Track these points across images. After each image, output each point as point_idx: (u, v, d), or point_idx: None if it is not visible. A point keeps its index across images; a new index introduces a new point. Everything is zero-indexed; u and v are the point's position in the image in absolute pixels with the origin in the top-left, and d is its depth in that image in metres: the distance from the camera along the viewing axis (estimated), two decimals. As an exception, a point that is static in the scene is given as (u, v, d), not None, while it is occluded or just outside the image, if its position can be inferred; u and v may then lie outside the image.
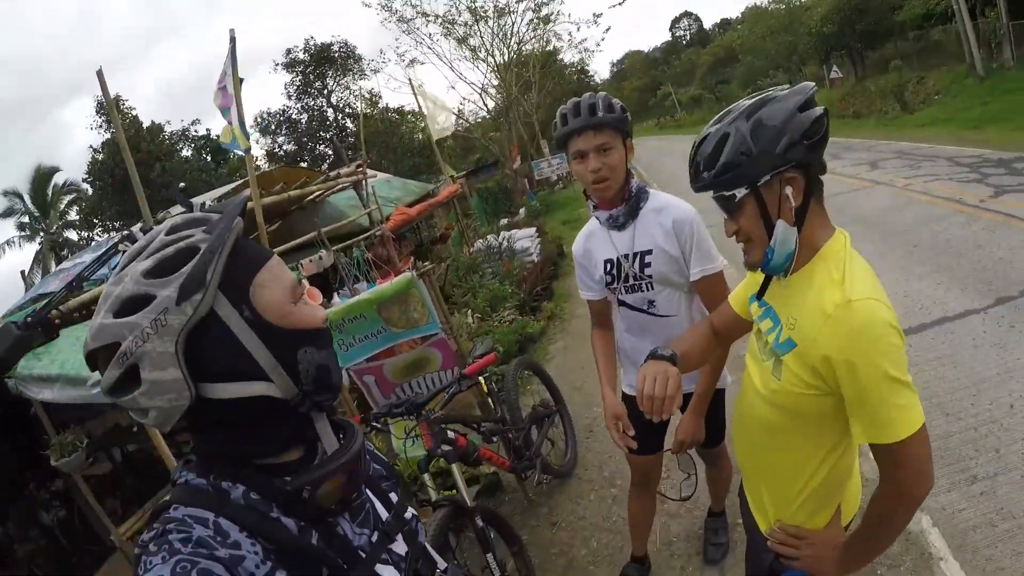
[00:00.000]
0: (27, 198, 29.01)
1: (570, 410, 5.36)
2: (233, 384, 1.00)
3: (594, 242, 2.82)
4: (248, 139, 4.93)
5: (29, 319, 0.90)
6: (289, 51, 39.04)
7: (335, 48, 38.91)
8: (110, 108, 4.57)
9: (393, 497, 1.29)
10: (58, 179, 29.82)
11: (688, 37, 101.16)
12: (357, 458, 1.11)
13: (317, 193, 9.40)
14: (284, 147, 38.84)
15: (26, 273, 25.74)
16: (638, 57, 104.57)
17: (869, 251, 7.80)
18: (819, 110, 1.55)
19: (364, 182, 9.55)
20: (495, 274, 10.70)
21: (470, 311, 8.98)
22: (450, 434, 3.47)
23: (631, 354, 2.94)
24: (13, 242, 29.00)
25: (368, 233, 9.19)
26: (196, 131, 31.13)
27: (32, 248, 29.59)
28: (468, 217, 17.21)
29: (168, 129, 30.38)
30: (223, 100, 5.09)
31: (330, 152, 36.43)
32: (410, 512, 1.30)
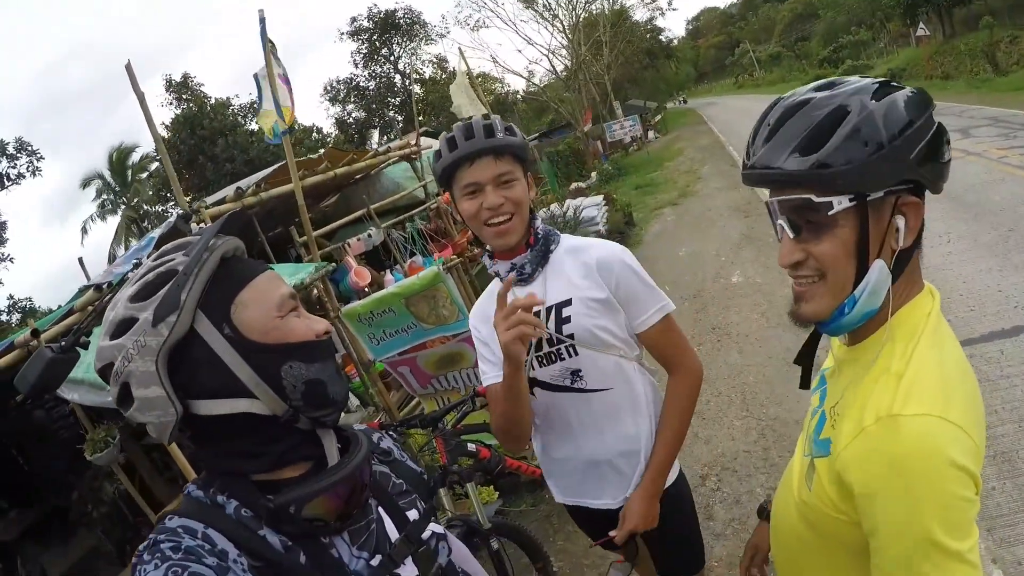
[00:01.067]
0: (108, 175, 30.20)
1: None
2: (218, 401, 1.02)
3: (490, 306, 1.99)
4: (284, 119, 4.78)
5: (64, 343, 0.94)
6: (354, 19, 39.40)
7: (400, 14, 38.95)
8: (141, 101, 4.47)
9: (412, 515, 1.22)
10: (135, 156, 31.13)
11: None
12: (354, 475, 1.08)
13: (363, 168, 9.22)
14: (353, 115, 39.22)
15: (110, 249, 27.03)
16: (714, 14, 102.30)
17: (960, 233, 7.28)
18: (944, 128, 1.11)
19: (419, 153, 9.35)
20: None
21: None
22: (470, 446, 3.30)
23: (556, 461, 2.22)
24: (95, 219, 30.37)
25: (424, 206, 9.04)
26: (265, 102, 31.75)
27: (114, 222, 31.01)
28: (537, 183, 16.99)
29: (236, 103, 30.93)
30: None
31: (399, 118, 36.63)
32: (431, 531, 1.21)
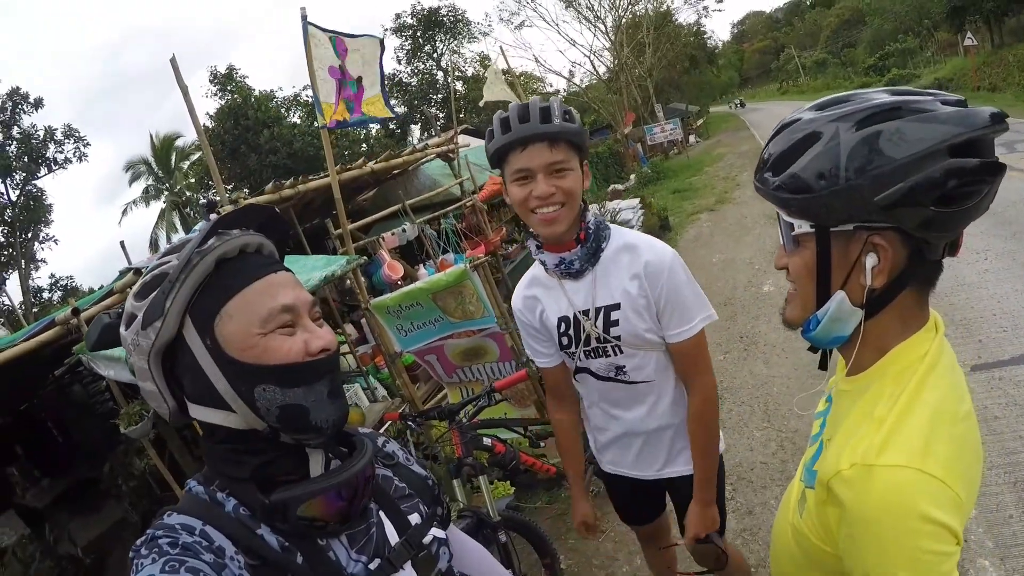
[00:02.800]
0: (152, 161, 30.99)
1: None
2: (201, 407, 1.03)
3: (541, 293, 2.16)
4: (323, 115, 4.91)
5: (120, 310, 1.02)
6: (398, 16, 39.80)
7: (443, 11, 39.22)
8: (185, 94, 4.62)
9: (413, 519, 1.20)
10: (179, 144, 31.97)
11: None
12: (353, 480, 1.06)
13: (401, 164, 9.34)
14: (395, 109, 39.68)
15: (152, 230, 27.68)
16: (760, 18, 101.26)
17: (999, 251, 7.15)
18: (984, 165, 0.98)
19: (456, 151, 9.44)
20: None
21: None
22: (486, 441, 3.38)
23: (603, 431, 2.34)
24: (137, 203, 31.20)
25: (459, 204, 9.13)
26: (307, 96, 32.20)
27: (156, 207, 31.90)
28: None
29: (280, 95, 31.45)
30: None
31: (440, 115, 36.87)
32: (432, 536, 1.19)
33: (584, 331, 2.06)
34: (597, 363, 2.13)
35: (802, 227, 1.11)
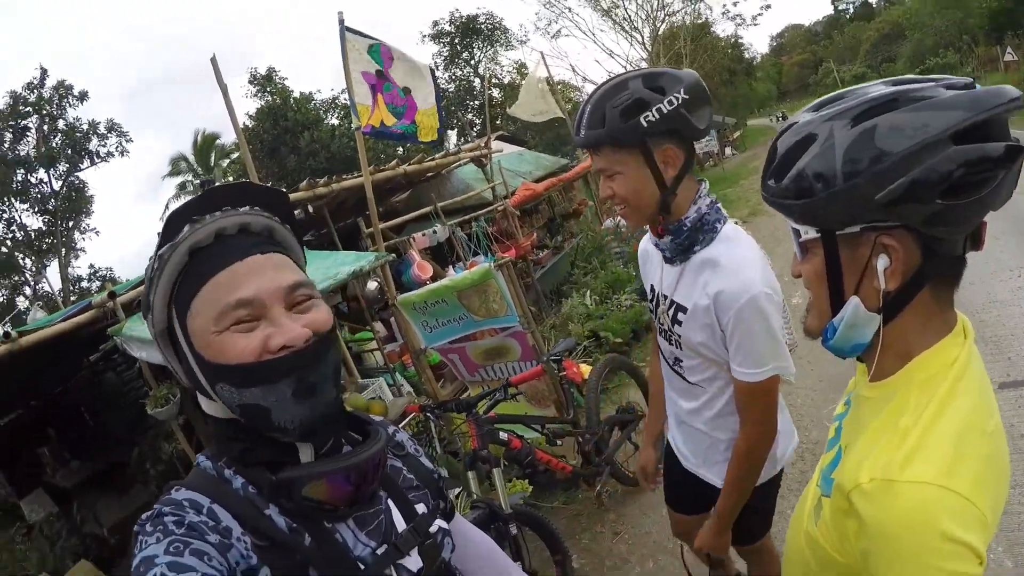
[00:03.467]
0: (191, 159, 31.87)
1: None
2: (197, 391, 1.06)
3: (652, 251, 2.13)
4: (358, 117, 5.02)
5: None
6: (436, 23, 39.93)
7: (481, 19, 39.40)
8: (224, 94, 4.77)
9: (420, 508, 1.20)
10: (219, 143, 32.67)
11: (852, 10, 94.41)
12: (366, 465, 1.05)
13: (434, 167, 9.49)
14: (442, 132, 39.97)
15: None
16: (799, 31, 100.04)
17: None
18: (994, 150, 0.90)
19: (489, 157, 9.54)
20: (620, 256, 10.49)
21: (588, 292, 8.81)
22: (502, 435, 3.42)
23: (668, 401, 2.36)
24: (177, 198, 31.65)
25: (490, 208, 9.23)
26: (345, 99, 32.77)
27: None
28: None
29: (318, 97, 31.97)
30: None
31: (477, 121, 37.07)
32: (437, 526, 1.20)
33: (661, 309, 2.06)
34: (664, 345, 2.14)
35: (808, 233, 1.07)
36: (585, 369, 4.78)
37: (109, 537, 7.85)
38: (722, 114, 37.38)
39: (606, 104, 1.73)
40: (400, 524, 1.14)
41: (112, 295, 4.82)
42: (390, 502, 1.16)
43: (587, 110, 1.78)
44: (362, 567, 1.04)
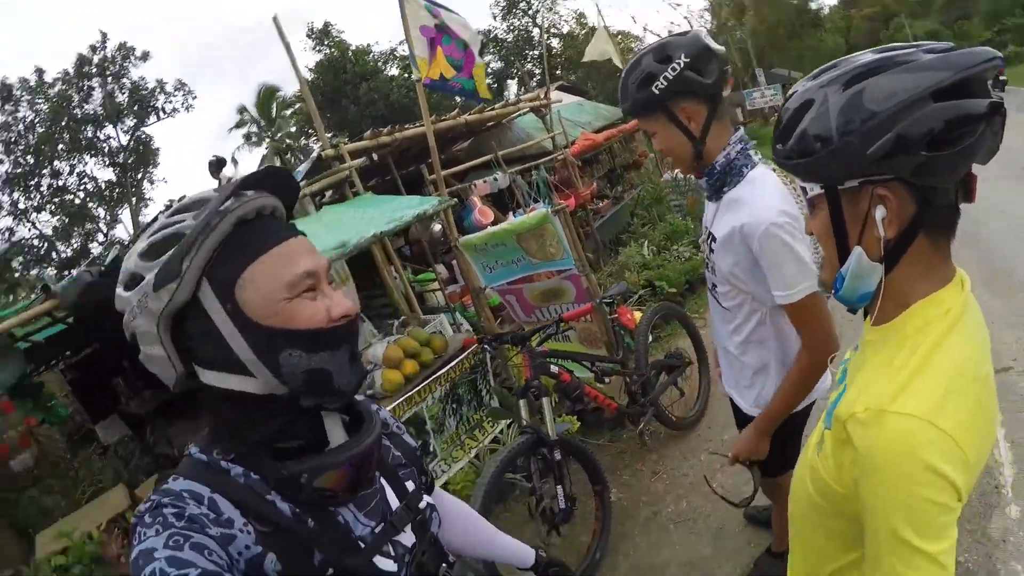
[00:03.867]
0: (254, 111, 32.78)
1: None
2: (216, 373, 1.01)
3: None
4: (418, 69, 5.19)
5: (104, 268, 0.95)
6: (494, -29, 39.15)
7: (540, -34, 38.40)
8: (288, 49, 5.01)
9: (409, 486, 1.24)
10: (280, 95, 33.25)
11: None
12: (366, 453, 1.08)
13: (494, 116, 9.60)
14: (491, 65, 39.45)
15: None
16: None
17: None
18: (973, 106, 0.99)
19: (548, 107, 9.61)
20: (679, 208, 10.50)
21: (646, 242, 8.91)
22: (553, 368, 3.62)
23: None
24: (240, 149, 33.14)
25: (550, 156, 9.32)
26: (403, 51, 32.97)
27: (258, 153, 33.65)
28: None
29: (375, 49, 32.40)
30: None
31: (536, 71, 36.68)
32: (425, 502, 1.25)
33: (702, 241, 2.36)
34: (708, 273, 2.39)
35: (814, 189, 1.16)
36: (638, 316, 4.95)
37: (180, 457, 8.47)
38: (787, 68, 36.19)
39: (628, 81, 2.04)
40: (393, 502, 1.18)
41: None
42: (383, 480, 1.19)
43: (621, 87, 2.10)
44: (362, 546, 1.07)
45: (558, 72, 27.51)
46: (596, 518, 3.68)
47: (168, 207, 1.04)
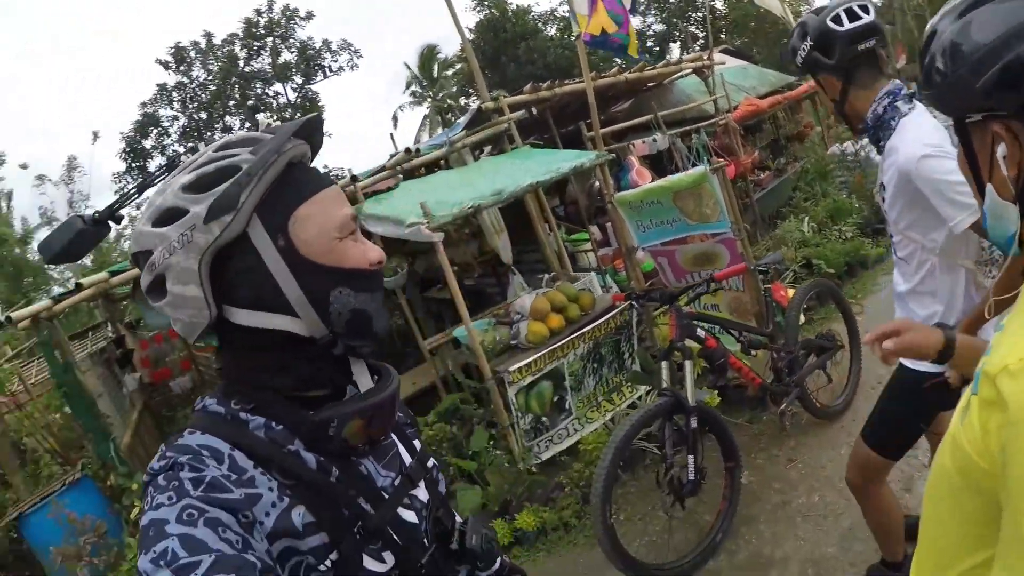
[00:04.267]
0: (416, 71, 34.05)
1: (866, 354, 4.54)
2: (257, 313, 0.99)
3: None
4: (578, 25, 5.13)
5: (97, 214, 0.92)
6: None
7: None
8: (451, 9, 5.05)
9: (417, 444, 1.25)
10: (440, 56, 34.30)
11: None
12: (391, 400, 1.08)
13: (655, 76, 9.36)
14: (652, 27, 38.40)
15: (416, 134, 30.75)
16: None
17: None
18: None
19: (711, 68, 9.28)
20: (845, 184, 9.90)
21: (807, 218, 8.48)
22: (700, 332, 3.52)
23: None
24: (404, 108, 34.75)
25: (711, 120, 9.03)
26: (562, 11, 32.95)
27: (420, 112, 35.15)
28: (837, 119, 15.62)
29: (536, 10, 32.68)
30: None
31: (700, 34, 35.34)
32: (432, 462, 1.26)
33: (876, 192, 2.47)
34: (887, 225, 2.48)
35: (948, 121, 1.12)
36: (791, 293, 4.74)
37: None
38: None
39: (793, 44, 2.34)
40: (407, 458, 1.19)
41: (355, 178, 5.38)
42: (395, 437, 1.19)
43: (791, 45, 2.35)
44: (386, 496, 1.08)
45: (722, 36, 26.34)
46: (723, 497, 3.58)
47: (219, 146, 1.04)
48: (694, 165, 8.42)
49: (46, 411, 7.81)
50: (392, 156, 6.11)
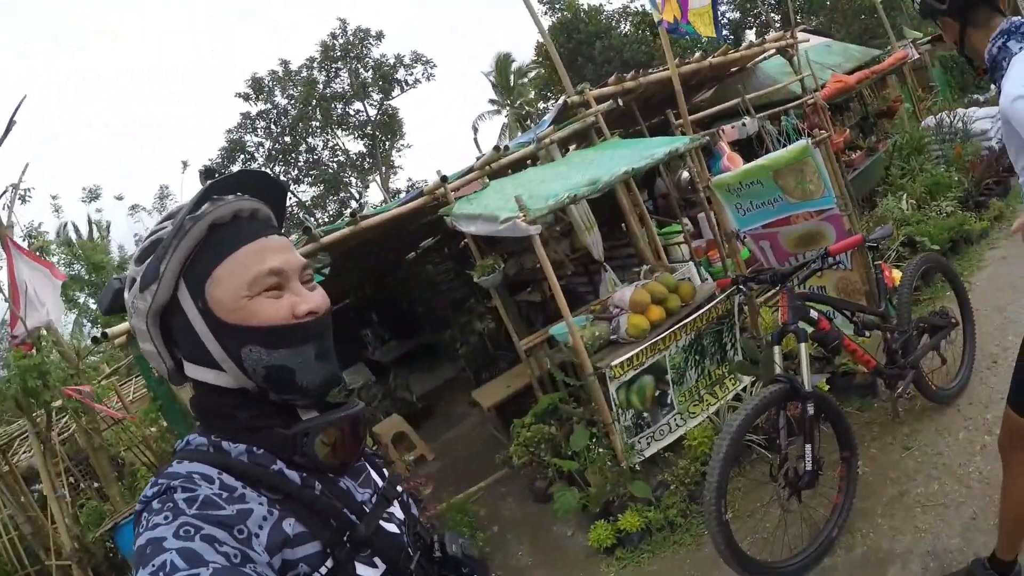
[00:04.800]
0: (494, 79, 34.49)
1: (978, 332, 4.45)
2: (196, 367, 1.10)
3: None
4: (659, 11, 5.11)
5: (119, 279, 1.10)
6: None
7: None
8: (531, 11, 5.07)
9: (385, 472, 1.31)
10: (515, 66, 34.56)
11: None
12: (356, 419, 1.15)
13: (739, 60, 9.15)
14: (727, 15, 37.62)
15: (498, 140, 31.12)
16: None
17: None
18: None
19: (795, 47, 9.02)
20: (943, 157, 9.44)
21: (905, 196, 8.12)
22: (812, 313, 3.39)
23: None
24: (484, 116, 34.99)
25: (799, 101, 8.78)
26: (638, 7, 32.73)
27: (499, 120, 35.43)
28: (928, 91, 14.92)
29: (608, 8, 32.51)
30: None
31: (776, 17, 34.34)
32: (400, 487, 1.30)
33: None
34: None
35: None
36: (898, 275, 4.54)
37: (417, 402, 9.54)
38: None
39: None
40: (379, 481, 1.25)
41: (444, 179, 5.44)
42: (365, 462, 1.26)
43: None
44: (367, 510, 1.14)
45: (798, 18, 25.51)
46: (839, 490, 3.44)
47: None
48: (785, 147, 8.21)
49: (143, 424, 8.12)
50: (478, 158, 6.16)
